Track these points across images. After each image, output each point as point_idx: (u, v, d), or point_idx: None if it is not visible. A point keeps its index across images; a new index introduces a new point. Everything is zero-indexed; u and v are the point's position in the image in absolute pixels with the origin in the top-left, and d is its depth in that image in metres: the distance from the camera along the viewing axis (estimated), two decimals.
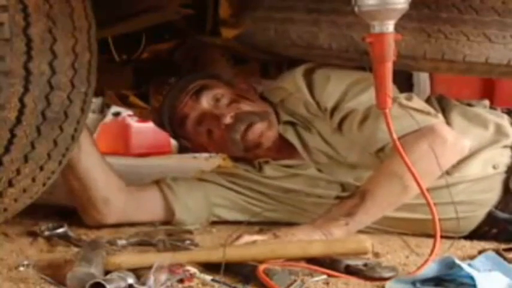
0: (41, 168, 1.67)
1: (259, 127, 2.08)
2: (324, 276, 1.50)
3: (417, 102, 1.98)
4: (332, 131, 2.06)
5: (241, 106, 2.11)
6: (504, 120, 2.09)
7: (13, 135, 1.57)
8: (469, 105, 2.14)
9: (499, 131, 2.04)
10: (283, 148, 2.15)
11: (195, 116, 2.12)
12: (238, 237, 1.71)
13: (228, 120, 2.08)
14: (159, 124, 2.26)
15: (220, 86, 2.16)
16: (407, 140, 1.82)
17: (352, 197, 1.86)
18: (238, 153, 2.16)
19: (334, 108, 2.02)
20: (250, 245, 1.64)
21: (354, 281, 1.49)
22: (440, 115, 1.99)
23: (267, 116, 2.11)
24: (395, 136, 1.61)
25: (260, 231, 2.01)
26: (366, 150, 2.00)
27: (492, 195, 1.99)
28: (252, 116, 2.09)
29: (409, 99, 1.97)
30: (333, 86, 2.03)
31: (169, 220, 2.13)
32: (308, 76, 2.08)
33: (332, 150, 2.08)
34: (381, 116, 1.71)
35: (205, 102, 2.12)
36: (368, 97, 1.92)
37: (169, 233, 1.89)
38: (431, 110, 1.98)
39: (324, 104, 2.04)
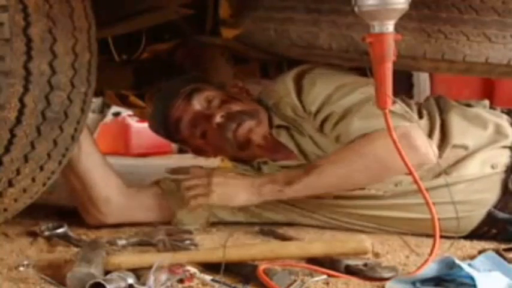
0: (41, 168, 1.67)
1: (248, 124, 2.10)
2: (324, 276, 1.50)
3: (398, 106, 1.94)
4: (319, 134, 2.07)
5: (232, 106, 2.12)
6: (503, 120, 2.09)
7: (13, 135, 1.57)
8: (469, 105, 2.14)
9: (498, 131, 2.04)
10: (279, 150, 2.15)
11: (188, 118, 2.13)
12: None
13: (218, 119, 2.09)
14: (156, 130, 2.26)
15: (210, 89, 2.17)
16: (372, 136, 1.87)
17: (299, 169, 1.95)
18: (233, 152, 2.16)
19: (317, 111, 2.03)
20: (250, 245, 1.64)
21: (354, 281, 1.49)
22: (417, 121, 1.97)
23: (257, 114, 2.13)
24: (395, 136, 1.60)
25: (260, 231, 2.01)
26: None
27: (491, 195, 1.98)
28: (242, 115, 2.11)
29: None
30: (319, 89, 2.04)
31: (169, 220, 2.13)
32: (298, 80, 2.09)
33: (322, 152, 2.08)
34: (356, 113, 1.90)
35: (197, 103, 2.13)
36: (350, 100, 1.96)
37: (169, 233, 1.89)
38: (410, 115, 1.95)
39: (308, 107, 2.06)
